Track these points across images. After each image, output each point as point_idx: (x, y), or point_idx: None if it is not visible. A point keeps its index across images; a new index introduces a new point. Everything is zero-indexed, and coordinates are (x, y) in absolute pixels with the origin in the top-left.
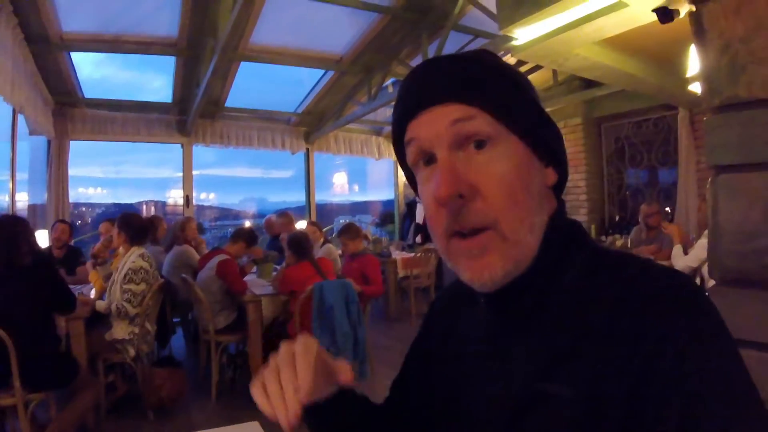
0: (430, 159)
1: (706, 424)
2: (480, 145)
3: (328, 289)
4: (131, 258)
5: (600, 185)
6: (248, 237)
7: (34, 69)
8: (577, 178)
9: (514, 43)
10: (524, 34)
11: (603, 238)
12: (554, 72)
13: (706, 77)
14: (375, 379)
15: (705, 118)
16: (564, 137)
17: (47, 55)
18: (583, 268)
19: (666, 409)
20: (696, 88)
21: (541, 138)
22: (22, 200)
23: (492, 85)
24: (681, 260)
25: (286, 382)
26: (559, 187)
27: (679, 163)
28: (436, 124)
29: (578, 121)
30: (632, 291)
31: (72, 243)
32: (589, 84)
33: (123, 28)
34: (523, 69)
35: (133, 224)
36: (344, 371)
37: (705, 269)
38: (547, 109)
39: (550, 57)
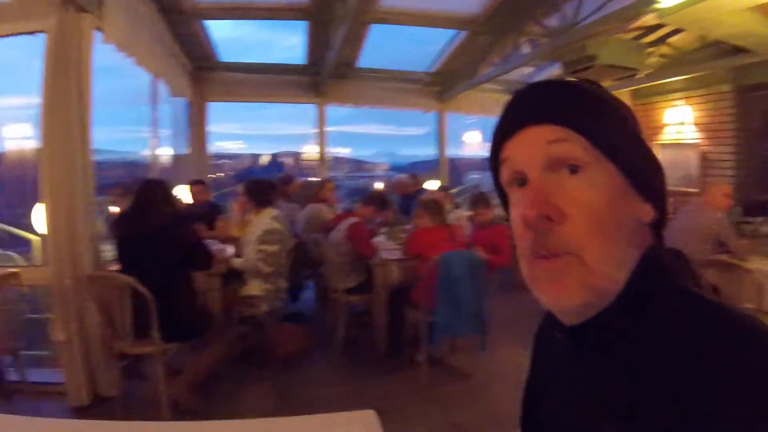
0: (522, 181)
1: None
2: (573, 169)
3: (455, 261)
4: (265, 220)
5: (748, 160)
6: (379, 201)
7: (171, 38)
8: (723, 151)
9: (658, 5)
10: None
11: (750, 219)
12: None
13: None
14: (496, 350)
15: None
16: (710, 106)
17: (182, 24)
18: (669, 313)
19: None
20: None
21: (639, 169)
22: (167, 153)
23: (590, 110)
24: None
25: None
26: (657, 225)
27: None
28: (530, 144)
29: (726, 88)
30: (714, 357)
31: (212, 198)
32: (738, 48)
33: None
34: (665, 31)
35: (257, 190)
36: None
37: None
38: (691, 75)
39: (698, 23)
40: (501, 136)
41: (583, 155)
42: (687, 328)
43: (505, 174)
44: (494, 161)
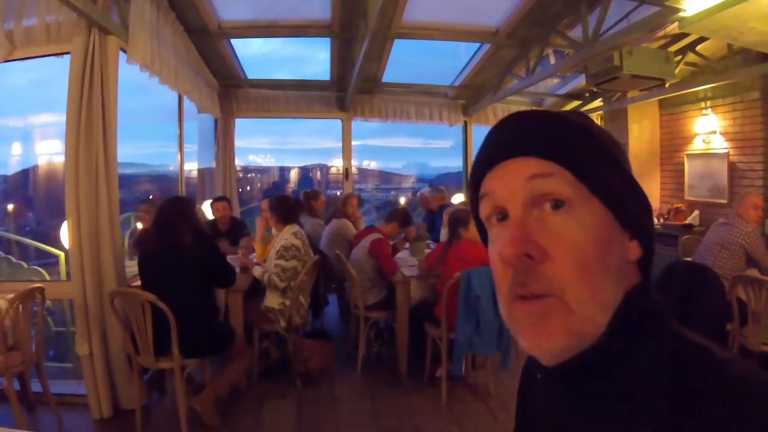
0: (503, 216)
1: None
2: (557, 205)
3: (476, 278)
4: (285, 235)
5: None
6: (402, 218)
7: (197, 57)
8: (753, 161)
9: (682, 14)
10: (693, 4)
11: None
12: None
13: None
14: (517, 369)
15: None
16: (738, 114)
17: (208, 43)
18: (656, 355)
19: None
20: None
21: (627, 206)
22: (193, 168)
23: (576, 144)
24: None
25: None
26: (644, 263)
27: None
28: (511, 178)
29: (756, 95)
30: (706, 398)
31: (237, 215)
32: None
33: (278, 14)
34: (691, 39)
35: (282, 207)
36: None
37: None
38: (719, 83)
39: (723, 31)
40: (481, 169)
41: (568, 191)
42: (668, 375)
43: (485, 209)
44: (474, 195)
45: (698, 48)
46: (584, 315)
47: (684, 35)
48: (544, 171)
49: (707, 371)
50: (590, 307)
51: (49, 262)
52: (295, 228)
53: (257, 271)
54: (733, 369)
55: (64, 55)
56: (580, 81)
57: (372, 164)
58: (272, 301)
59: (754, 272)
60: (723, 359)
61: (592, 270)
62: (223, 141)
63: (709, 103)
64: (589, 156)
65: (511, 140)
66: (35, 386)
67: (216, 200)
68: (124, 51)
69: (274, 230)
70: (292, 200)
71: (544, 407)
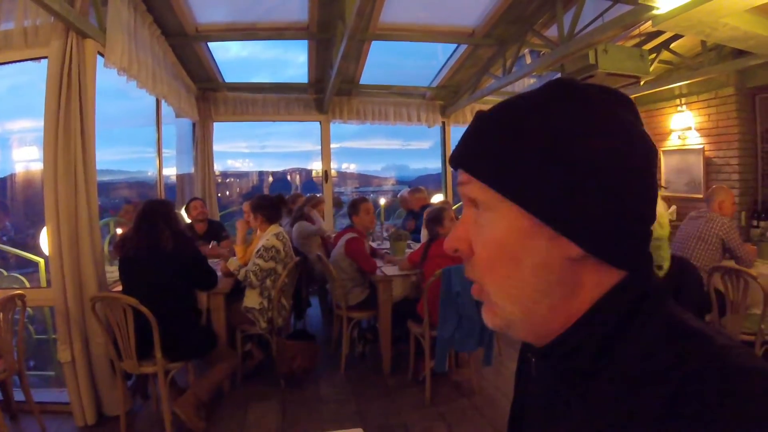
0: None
1: None
2: (478, 207)
3: (456, 275)
4: (267, 236)
5: (754, 164)
6: (360, 201)
7: (174, 60)
8: (729, 155)
9: (655, 12)
10: (666, 1)
11: (755, 223)
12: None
13: None
14: (502, 365)
15: None
16: (713, 110)
17: (185, 46)
18: (651, 342)
19: None
20: None
21: (549, 210)
22: (171, 173)
23: (481, 150)
24: None
25: None
26: (627, 257)
27: None
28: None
29: (731, 91)
30: (704, 387)
31: (214, 216)
32: (742, 51)
33: (256, 16)
34: (666, 36)
35: (265, 205)
36: None
37: None
38: (694, 80)
39: (696, 27)
40: None
41: (480, 195)
42: (664, 362)
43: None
44: None
45: (672, 45)
46: (498, 305)
47: (658, 33)
48: (463, 179)
49: (705, 359)
50: (501, 298)
51: (27, 271)
52: (278, 229)
53: (232, 263)
54: (732, 357)
55: (41, 60)
56: None
57: (351, 167)
58: (251, 300)
59: (730, 263)
60: (722, 345)
61: (498, 267)
62: (202, 145)
63: (684, 99)
64: (496, 161)
65: (453, 154)
66: (18, 395)
67: (190, 201)
68: (102, 55)
69: (258, 231)
70: (274, 198)
71: (535, 387)
